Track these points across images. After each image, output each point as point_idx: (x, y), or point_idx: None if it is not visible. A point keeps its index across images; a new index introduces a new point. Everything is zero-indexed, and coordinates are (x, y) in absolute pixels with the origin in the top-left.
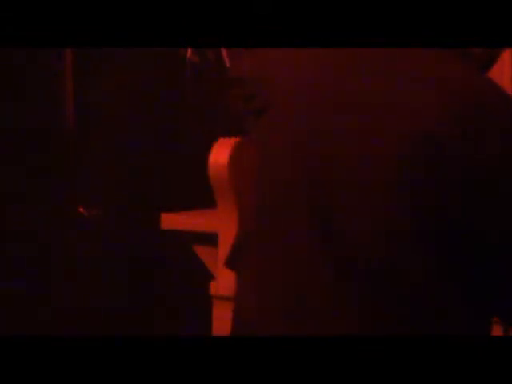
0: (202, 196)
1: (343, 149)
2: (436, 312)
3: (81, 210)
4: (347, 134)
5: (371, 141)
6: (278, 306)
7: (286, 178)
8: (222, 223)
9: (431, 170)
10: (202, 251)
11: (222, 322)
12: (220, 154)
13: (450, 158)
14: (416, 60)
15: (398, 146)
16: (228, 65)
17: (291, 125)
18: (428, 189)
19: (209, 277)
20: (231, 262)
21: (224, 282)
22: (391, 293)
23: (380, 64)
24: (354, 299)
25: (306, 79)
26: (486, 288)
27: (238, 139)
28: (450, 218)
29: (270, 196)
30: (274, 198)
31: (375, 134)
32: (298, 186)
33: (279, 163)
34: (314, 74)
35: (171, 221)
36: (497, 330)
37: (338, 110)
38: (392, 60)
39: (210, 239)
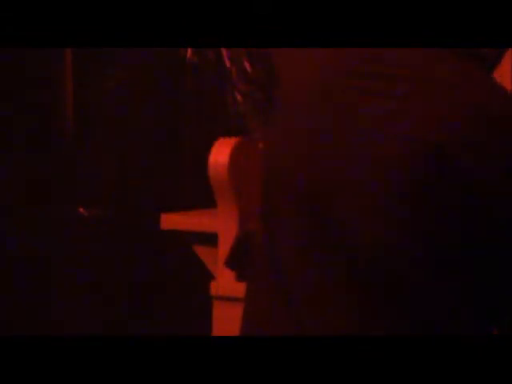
0: (202, 196)
1: (344, 150)
2: (436, 312)
3: (81, 210)
4: (348, 136)
5: (371, 142)
6: (282, 306)
7: (288, 178)
8: (221, 223)
9: (431, 172)
10: (202, 251)
11: (222, 322)
12: (220, 153)
13: (450, 160)
14: (416, 61)
15: (397, 148)
16: (228, 65)
17: (293, 125)
18: (428, 190)
19: (209, 277)
20: (231, 262)
21: (224, 282)
22: (391, 293)
23: (381, 66)
24: (353, 299)
25: (307, 80)
26: (486, 289)
27: (237, 139)
28: (450, 219)
29: (272, 196)
30: (277, 198)
31: (375, 135)
32: (299, 186)
33: (282, 164)
34: (315, 75)
35: (171, 221)
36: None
37: (338, 111)
38: (393, 61)
39: (210, 239)
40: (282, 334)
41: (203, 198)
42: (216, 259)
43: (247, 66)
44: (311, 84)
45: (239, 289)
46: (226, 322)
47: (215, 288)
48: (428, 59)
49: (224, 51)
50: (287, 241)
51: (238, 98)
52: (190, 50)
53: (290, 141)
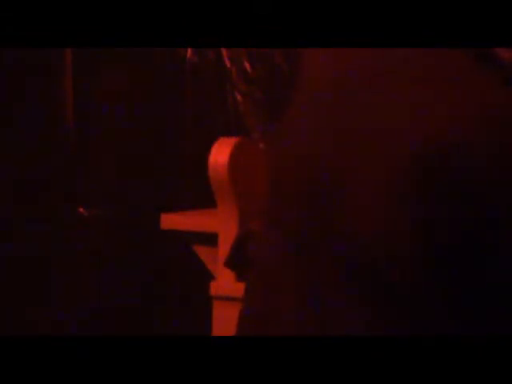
0: (202, 196)
1: (348, 149)
2: (436, 312)
3: (81, 210)
4: (352, 136)
5: (374, 143)
6: (281, 306)
7: (294, 177)
8: (221, 223)
9: (433, 173)
10: (202, 251)
11: (221, 322)
12: (220, 153)
13: (452, 160)
14: (427, 61)
15: (401, 149)
16: (228, 65)
17: (300, 124)
18: (429, 191)
19: (209, 277)
20: (231, 262)
21: (224, 282)
22: (391, 293)
23: (392, 66)
24: (354, 299)
25: (317, 79)
26: (486, 290)
27: (237, 139)
28: (450, 219)
29: (275, 195)
30: (280, 196)
31: (378, 136)
32: (305, 186)
33: (286, 163)
34: (327, 74)
35: (171, 221)
36: None
37: (345, 111)
38: (404, 61)
39: (210, 239)
40: (281, 334)
41: (203, 198)
42: (216, 259)
43: (247, 66)
44: (322, 83)
45: (239, 289)
46: (226, 321)
47: (215, 288)
48: (438, 59)
49: (224, 51)
50: (288, 240)
51: (238, 97)
52: (189, 50)
53: (295, 140)
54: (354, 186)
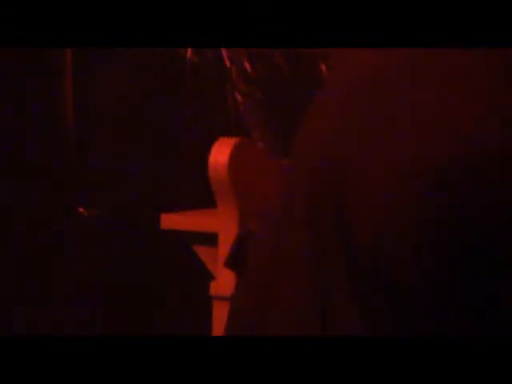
0: (202, 196)
1: (365, 152)
2: (436, 313)
3: (81, 210)
4: (375, 141)
5: (394, 148)
6: (283, 306)
7: (306, 178)
8: (221, 223)
9: (451, 189)
10: (202, 251)
11: (221, 322)
12: (220, 153)
13: (475, 181)
14: (452, 63)
15: (417, 162)
16: (228, 65)
17: (325, 125)
18: (435, 197)
19: (209, 277)
20: (231, 262)
21: (224, 282)
22: (392, 293)
23: (430, 76)
24: (354, 299)
25: (343, 86)
26: (486, 292)
27: (237, 139)
28: (452, 225)
29: (288, 196)
30: (293, 198)
31: (396, 140)
32: (314, 186)
33: (307, 164)
34: (356, 82)
35: (171, 221)
36: None
37: (375, 117)
38: (442, 73)
39: (210, 239)
40: (281, 334)
41: (203, 198)
42: (216, 259)
43: (247, 66)
44: (347, 83)
45: None
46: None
47: (215, 288)
48: (459, 59)
49: (224, 51)
50: (288, 240)
51: (238, 98)
52: (189, 50)
53: (318, 140)
54: (355, 186)
